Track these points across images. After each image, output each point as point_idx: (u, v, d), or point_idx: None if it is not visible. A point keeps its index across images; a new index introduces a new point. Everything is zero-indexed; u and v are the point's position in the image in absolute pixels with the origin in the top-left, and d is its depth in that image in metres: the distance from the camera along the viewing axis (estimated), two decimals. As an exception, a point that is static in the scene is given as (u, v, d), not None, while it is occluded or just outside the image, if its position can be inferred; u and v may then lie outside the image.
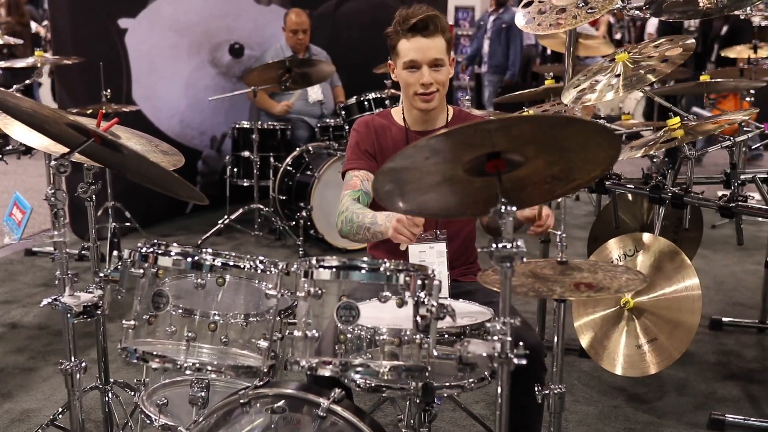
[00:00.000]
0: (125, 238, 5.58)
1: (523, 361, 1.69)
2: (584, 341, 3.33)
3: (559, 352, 2.04)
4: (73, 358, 2.17)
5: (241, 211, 5.74)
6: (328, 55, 6.46)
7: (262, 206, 5.74)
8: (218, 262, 1.93)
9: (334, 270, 1.84)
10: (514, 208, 1.67)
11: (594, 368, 3.62)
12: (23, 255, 5.47)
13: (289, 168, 5.70)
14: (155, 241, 1.97)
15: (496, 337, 1.68)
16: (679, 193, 3.20)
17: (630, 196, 4.18)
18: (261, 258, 2.01)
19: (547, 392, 2.09)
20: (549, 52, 11.50)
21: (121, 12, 5.82)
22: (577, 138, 1.67)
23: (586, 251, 4.24)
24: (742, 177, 3.60)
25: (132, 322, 1.96)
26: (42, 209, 5.52)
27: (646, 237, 3.33)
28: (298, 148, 5.78)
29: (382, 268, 1.80)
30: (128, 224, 5.41)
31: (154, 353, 1.92)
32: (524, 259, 1.65)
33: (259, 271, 1.97)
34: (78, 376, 2.18)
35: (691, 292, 3.16)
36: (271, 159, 5.82)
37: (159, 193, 2.27)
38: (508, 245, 1.65)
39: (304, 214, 5.37)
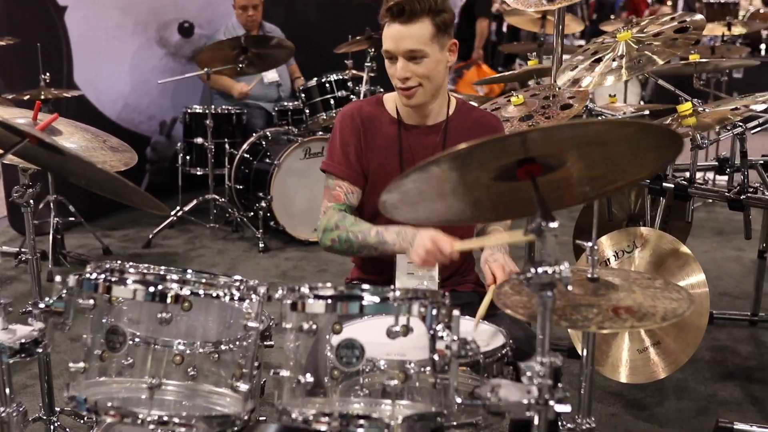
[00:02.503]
0: (69, 234, 5.17)
1: (567, 408, 1.40)
2: (580, 345, 3.06)
3: (587, 386, 1.75)
4: (9, 404, 1.80)
5: (195, 201, 5.34)
6: (283, 33, 6.07)
7: (217, 196, 5.35)
8: (186, 291, 1.59)
9: (329, 301, 1.51)
10: (556, 224, 1.36)
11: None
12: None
13: (245, 155, 5.33)
14: (107, 265, 1.62)
15: (535, 381, 1.38)
16: (683, 184, 2.94)
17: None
18: (237, 283, 1.68)
19: (573, 427, 1.81)
20: (505, 29, 11.26)
21: (60, -12, 5.35)
22: (630, 141, 1.37)
23: (572, 241, 3.97)
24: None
25: (81, 365, 1.61)
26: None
27: (645, 231, 3.07)
28: (254, 134, 5.41)
29: (391, 298, 1.48)
30: (72, 219, 4.98)
31: (109, 404, 1.58)
32: (569, 287, 1.35)
33: (236, 300, 1.64)
34: (17, 423, 1.81)
35: (696, 290, 2.92)
36: (226, 146, 5.43)
37: None
38: (549, 269, 1.35)
39: (263, 204, 5.02)
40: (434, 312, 1.49)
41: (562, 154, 1.40)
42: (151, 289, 1.58)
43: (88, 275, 1.61)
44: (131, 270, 1.61)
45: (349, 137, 2.33)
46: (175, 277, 1.61)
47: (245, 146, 5.34)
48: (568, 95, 3.04)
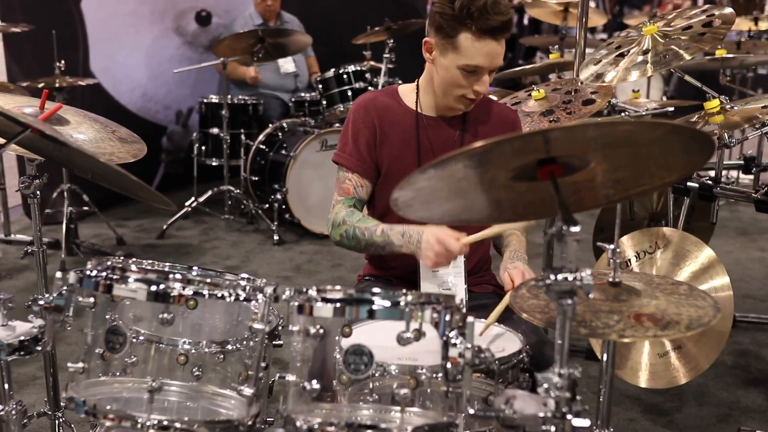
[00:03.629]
0: (84, 223, 5.14)
1: (586, 423, 1.32)
2: (600, 350, 2.98)
3: (606, 393, 1.68)
4: (8, 402, 1.75)
5: (210, 192, 5.29)
6: (301, 24, 6.01)
7: (232, 188, 5.29)
8: (189, 290, 1.52)
9: (338, 305, 1.44)
10: (578, 228, 1.28)
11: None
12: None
13: (261, 146, 5.26)
14: (108, 263, 1.56)
15: (552, 394, 1.30)
16: (709, 184, 2.84)
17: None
18: (243, 281, 1.61)
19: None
20: (526, 21, 11.10)
21: (77, -25, 5.30)
22: (659, 143, 1.28)
23: (591, 240, 3.88)
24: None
25: (80, 365, 1.56)
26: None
27: (668, 232, 2.97)
28: (270, 125, 5.34)
29: (402, 302, 1.41)
30: (86, 208, 4.93)
31: (108, 407, 1.52)
32: (590, 295, 1.27)
33: (241, 299, 1.58)
34: (16, 421, 1.76)
35: (720, 293, 2.83)
36: (242, 136, 5.37)
37: None
38: (570, 276, 1.27)
39: (278, 196, 4.96)
40: (447, 318, 1.42)
41: (585, 155, 1.32)
42: (153, 288, 1.52)
43: (88, 272, 1.55)
44: (133, 268, 1.55)
45: (361, 129, 2.26)
46: (178, 276, 1.54)
47: (261, 137, 5.27)
48: (591, 90, 2.95)
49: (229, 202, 5.38)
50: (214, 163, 5.43)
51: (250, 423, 1.56)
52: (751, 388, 3.30)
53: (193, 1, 6.03)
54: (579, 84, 2.93)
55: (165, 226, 5.16)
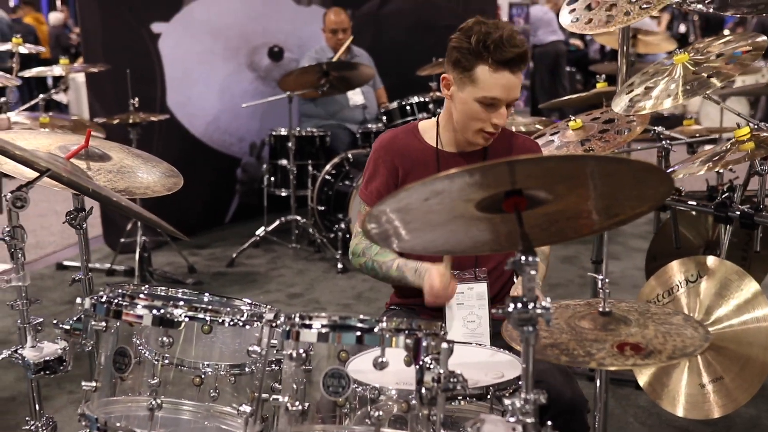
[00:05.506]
0: (159, 251, 5.39)
1: (552, 447, 1.36)
2: (642, 379, 2.95)
3: (600, 423, 1.69)
4: (39, 418, 1.89)
5: (277, 222, 5.46)
6: (370, 57, 6.15)
7: (299, 217, 5.45)
8: (186, 316, 1.63)
9: (323, 331, 1.52)
10: (537, 259, 1.33)
11: (652, 404, 3.23)
12: (54, 269, 5.29)
13: (327, 177, 5.41)
14: (119, 290, 1.68)
15: (514, 418, 1.34)
16: (749, 212, 2.80)
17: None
18: (246, 307, 1.71)
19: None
20: (608, 48, 10.98)
21: (155, 16, 5.59)
22: (618, 177, 1.32)
23: (644, 269, 3.85)
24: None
25: (93, 384, 1.68)
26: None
27: (711, 261, 2.93)
28: (338, 156, 5.48)
29: (377, 329, 1.48)
30: (160, 237, 5.18)
31: (117, 424, 1.64)
32: (550, 323, 1.31)
33: (241, 326, 1.67)
34: (46, 437, 1.90)
35: (762, 323, 2.77)
36: (309, 167, 5.53)
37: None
38: (530, 305, 1.32)
39: (342, 225, 5.08)
40: (425, 343, 1.48)
41: (550, 187, 1.37)
42: (157, 313, 1.63)
43: (100, 299, 1.68)
44: (142, 295, 1.67)
45: (380, 168, 2.35)
46: (182, 301, 1.66)
47: (327, 167, 5.42)
48: (629, 119, 2.96)
49: (296, 232, 5.54)
50: (283, 194, 5.60)
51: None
52: (806, 421, 3.20)
53: (266, 38, 6.26)
54: (617, 115, 2.93)
55: (235, 255, 5.34)
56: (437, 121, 2.37)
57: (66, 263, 5.30)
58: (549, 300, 1.32)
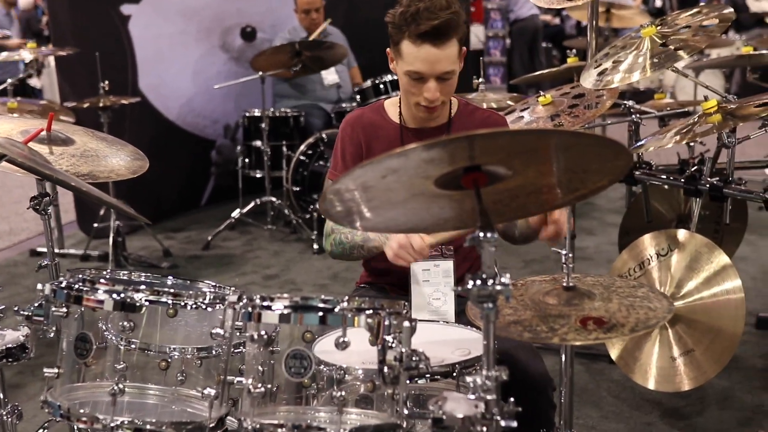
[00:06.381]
0: (133, 236, 5.35)
1: (513, 423, 1.36)
2: (613, 352, 2.98)
3: (566, 397, 1.70)
4: (4, 406, 1.87)
5: (252, 204, 5.44)
6: (344, 36, 6.11)
7: (274, 198, 5.43)
8: (148, 300, 1.61)
9: (284, 312, 1.51)
10: (495, 235, 1.32)
11: (626, 377, 3.25)
12: (28, 256, 5.24)
13: (302, 158, 5.37)
14: (80, 275, 1.66)
15: (475, 395, 1.34)
16: (718, 185, 2.81)
17: (665, 184, 3.78)
18: (209, 290, 1.70)
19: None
20: (584, 24, 10.96)
21: (124, -2, 5.52)
22: (577, 151, 1.31)
23: (618, 244, 3.87)
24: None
25: (55, 370, 1.67)
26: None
27: (682, 234, 2.95)
28: (312, 136, 5.45)
29: (337, 309, 1.47)
30: (134, 222, 5.14)
31: (81, 411, 1.62)
32: (509, 299, 1.31)
33: (204, 308, 1.66)
34: (11, 425, 1.88)
35: (732, 296, 2.79)
36: (284, 148, 5.49)
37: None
38: (489, 282, 1.31)
39: (317, 206, 5.06)
40: (387, 322, 1.47)
41: (508, 162, 1.36)
42: (117, 297, 1.61)
43: (61, 284, 1.66)
44: (102, 280, 1.65)
45: (348, 146, 2.33)
46: (143, 286, 1.64)
47: (302, 148, 5.38)
48: (598, 94, 2.96)
49: (272, 213, 5.51)
50: (257, 175, 5.57)
51: (212, 425, 1.63)
52: (777, 391, 3.23)
53: (238, 18, 6.20)
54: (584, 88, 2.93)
55: (210, 238, 5.31)
56: (401, 101, 2.36)
57: (40, 249, 5.24)
58: (508, 276, 1.31)
